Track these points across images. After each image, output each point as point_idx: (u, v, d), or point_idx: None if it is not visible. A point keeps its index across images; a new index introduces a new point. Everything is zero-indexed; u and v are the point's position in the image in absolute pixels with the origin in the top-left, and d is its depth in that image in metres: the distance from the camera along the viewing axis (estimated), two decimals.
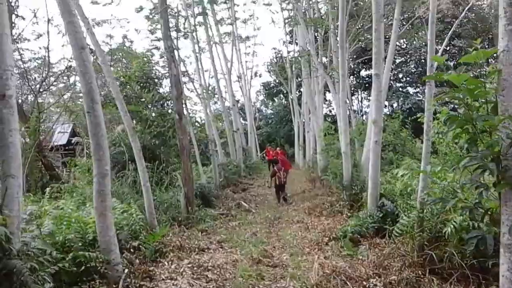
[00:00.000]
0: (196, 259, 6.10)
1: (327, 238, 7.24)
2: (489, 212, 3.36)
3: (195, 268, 5.67)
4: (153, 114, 12.89)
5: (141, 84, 13.09)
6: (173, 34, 14.69)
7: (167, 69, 11.02)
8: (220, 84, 21.48)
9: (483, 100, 3.36)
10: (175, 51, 15.57)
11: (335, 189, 11.53)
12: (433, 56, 3.89)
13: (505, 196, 3.03)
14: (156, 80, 13.97)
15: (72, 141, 18.31)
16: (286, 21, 21.58)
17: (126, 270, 5.10)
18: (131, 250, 6.09)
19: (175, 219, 8.71)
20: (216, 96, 21.53)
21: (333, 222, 8.59)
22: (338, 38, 10.47)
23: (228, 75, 22.76)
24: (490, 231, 3.30)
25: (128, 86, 13.14)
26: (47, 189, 9.17)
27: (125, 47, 19.15)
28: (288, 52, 27.43)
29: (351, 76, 31.37)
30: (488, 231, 3.30)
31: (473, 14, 23.31)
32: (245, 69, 29.81)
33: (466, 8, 13.40)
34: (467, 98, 3.23)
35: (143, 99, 12.86)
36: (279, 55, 33.78)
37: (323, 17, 17.07)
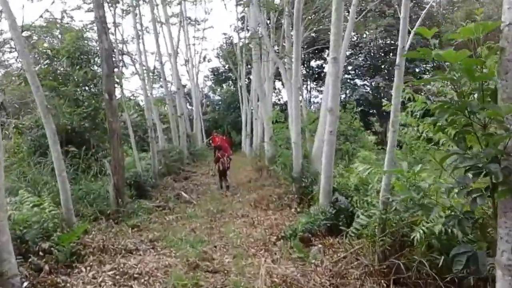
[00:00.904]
0: (121, 264, 5.10)
1: (275, 237, 6.54)
2: (478, 223, 2.73)
3: (117, 277, 4.70)
4: (84, 94, 11.42)
5: (73, 60, 11.53)
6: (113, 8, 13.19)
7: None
8: (166, 67, 20.07)
9: (474, 86, 2.72)
10: (117, 28, 14.10)
11: (283, 180, 10.89)
12: (418, 28, 3.18)
13: (504, 204, 2.41)
14: (90, 57, 12.39)
15: None
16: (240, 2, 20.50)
17: (26, 283, 4.02)
18: (40, 253, 5.02)
19: (103, 213, 7.60)
20: (161, 79, 20.04)
21: (281, 217, 7.95)
22: (294, 16, 9.62)
23: (174, 58, 21.38)
24: (481, 246, 2.67)
25: (56, 62, 11.55)
26: None
27: (62, 23, 17.10)
28: (240, 38, 26.44)
29: (302, 66, 31.06)
30: (479, 246, 2.67)
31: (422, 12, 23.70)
32: (193, 53, 28.45)
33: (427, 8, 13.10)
34: (465, 81, 2.55)
35: (75, 77, 11.34)
36: (230, 40, 32.62)
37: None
